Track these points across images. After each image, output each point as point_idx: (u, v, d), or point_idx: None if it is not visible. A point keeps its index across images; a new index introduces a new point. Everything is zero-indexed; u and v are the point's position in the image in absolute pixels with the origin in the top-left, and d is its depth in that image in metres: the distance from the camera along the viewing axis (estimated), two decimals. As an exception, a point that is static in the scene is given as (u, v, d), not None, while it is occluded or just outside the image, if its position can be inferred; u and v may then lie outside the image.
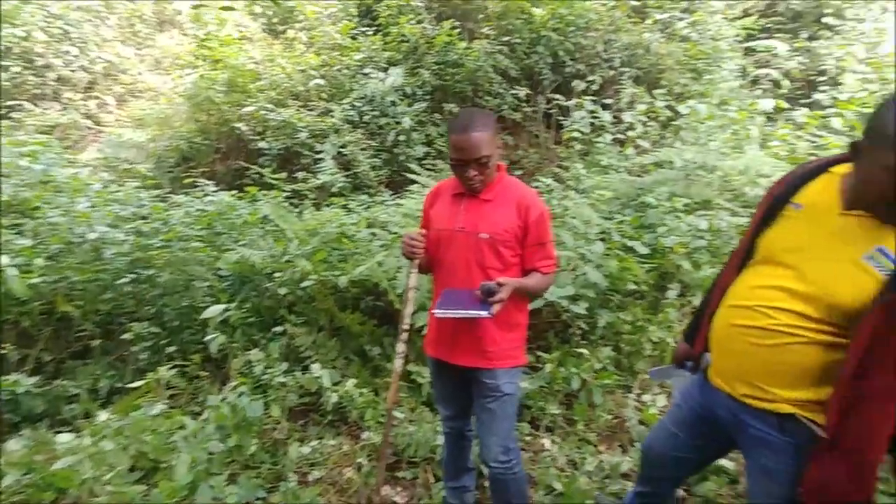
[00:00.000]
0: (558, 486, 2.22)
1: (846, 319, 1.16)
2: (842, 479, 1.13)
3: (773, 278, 1.27)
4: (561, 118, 5.53)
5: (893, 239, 1.13)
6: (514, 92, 5.78)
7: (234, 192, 4.24)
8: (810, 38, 6.32)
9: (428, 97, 5.81)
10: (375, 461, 2.43)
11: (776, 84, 5.71)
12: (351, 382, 2.79)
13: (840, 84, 5.32)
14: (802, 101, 5.61)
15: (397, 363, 1.92)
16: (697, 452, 1.61)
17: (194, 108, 6.15)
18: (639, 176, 4.23)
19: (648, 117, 5.09)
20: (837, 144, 4.16)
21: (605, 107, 5.34)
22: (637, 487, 1.89)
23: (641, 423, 2.58)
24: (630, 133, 4.94)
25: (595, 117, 5.08)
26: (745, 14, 6.71)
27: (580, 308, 2.65)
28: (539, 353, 2.77)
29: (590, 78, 5.65)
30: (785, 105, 4.83)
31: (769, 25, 6.76)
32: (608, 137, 4.91)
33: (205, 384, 2.90)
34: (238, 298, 3.19)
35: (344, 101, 5.64)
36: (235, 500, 2.06)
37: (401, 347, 1.91)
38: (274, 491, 2.31)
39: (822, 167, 1.31)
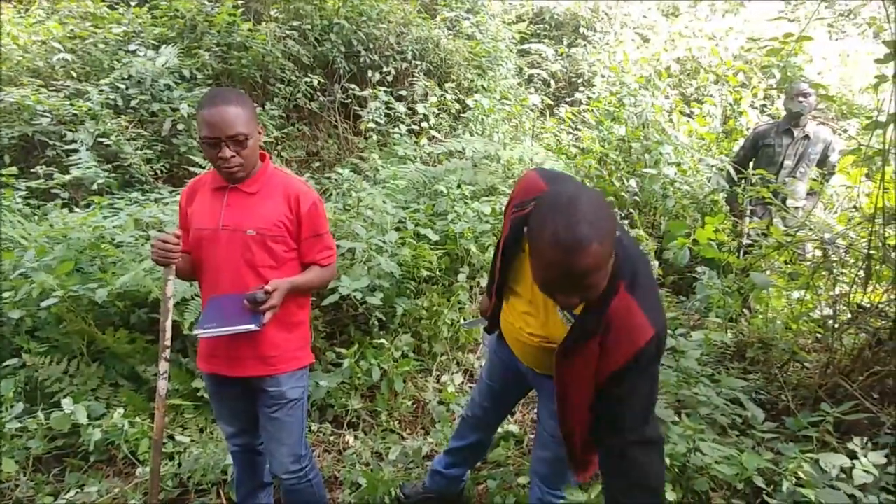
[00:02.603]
0: (363, 482, 2.18)
1: None
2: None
3: (522, 307, 1.48)
4: (357, 109, 5.47)
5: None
6: (307, 80, 5.55)
7: (-61, 193, 3.30)
8: (569, 45, 7.25)
9: (210, 82, 5.24)
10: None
11: (545, 83, 6.44)
12: (118, 413, 2.38)
13: (593, 86, 6.21)
14: (567, 99, 6.43)
15: (160, 385, 1.67)
16: (508, 395, 1.87)
17: None
18: (432, 165, 4.39)
19: (440, 109, 5.32)
20: (590, 136, 4.84)
21: (399, 98, 5.43)
22: (451, 443, 2.03)
23: (441, 402, 2.68)
24: (424, 124, 5.11)
25: (390, 108, 5.14)
26: (519, 19, 7.44)
27: (376, 299, 2.63)
28: (339, 350, 2.69)
29: (384, 69, 5.69)
30: (550, 102, 5.46)
31: (539, 31, 7.60)
32: (403, 128, 5.00)
33: None
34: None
35: (102, 82, 4.78)
36: None
37: (163, 366, 1.66)
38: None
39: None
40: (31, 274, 2.57)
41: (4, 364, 2.47)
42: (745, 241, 3.66)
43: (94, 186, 4.08)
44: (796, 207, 3.76)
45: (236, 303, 1.54)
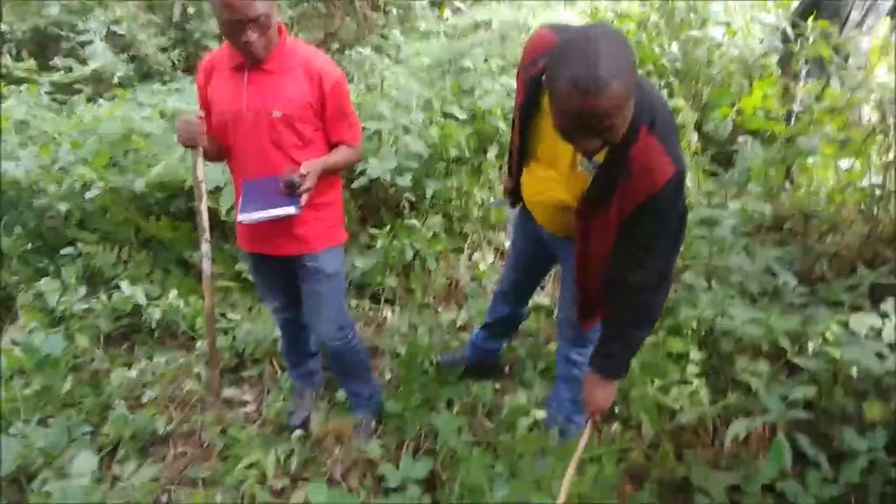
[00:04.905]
0: (402, 350, 2.34)
1: None
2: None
3: (542, 171, 1.47)
4: (375, -20, 5.07)
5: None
6: (319, -50, 5.11)
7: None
8: None
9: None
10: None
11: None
12: (173, 294, 2.55)
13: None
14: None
15: (205, 265, 1.76)
16: (534, 267, 1.90)
17: None
18: (457, 40, 4.13)
19: (463, -25, 4.89)
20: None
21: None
22: (487, 318, 2.12)
23: (473, 279, 2.77)
24: (447, -6, 4.74)
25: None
26: None
27: (406, 180, 2.63)
28: (372, 231, 2.75)
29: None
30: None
31: None
32: (424, 1, 4.65)
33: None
34: (5, 223, 2.63)
35: (106, -35, 4.53)
36: (45, 442, 1.84)
37: (205, 247, 1.75)
38: (103, 423, 2.11)
39: None
40: (70, 168, 2.65)
41: (62, 254, 2.63)
42: (796, 107, 3.41)
43: (115, 80, 4.04)
44: (858, 67, 3.43)
45: (272, 186, 1.56)
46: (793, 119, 3.36)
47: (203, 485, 1.87)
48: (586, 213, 1.32)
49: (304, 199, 1.54)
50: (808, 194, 3.08)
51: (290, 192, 1.54)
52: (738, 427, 1.65)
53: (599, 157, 1.24)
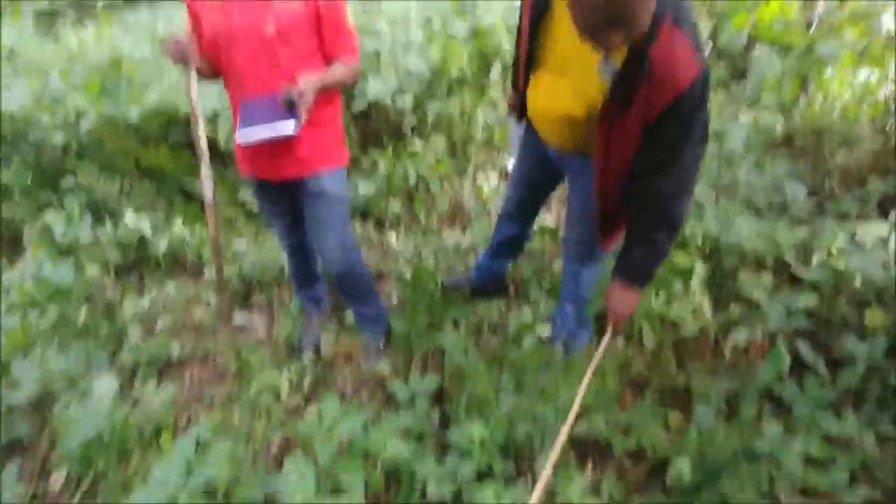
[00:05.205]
0: (407, 275, 2.36)
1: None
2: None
3: (550, 80, 1.41)
4: None
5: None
6: None
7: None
8: None
9: None
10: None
11: None
12: (178, 224, 2.56)
13: None
14: None
15: (206, 189, 1.74)
16: (539, 185, 1.86)
17: None
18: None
19: None
20: None
21: None
22: (492, 240, 2.11)
23: (477, 202, 2.74)
24: None
25: None
26: None
27: (406, 102, 2.55)
28: (374, 157, 2.70)
29: None
30: None
31: None
32: None
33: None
34: (3, 157, 2.60)
35: None
36: (64, 367, 1.90)
37: (204, 171, 1.72)
38: (119, 351, 2.18)
39: None
40: (62, 97, 2.58)
41: (62, 186, 2.62)
42: (816, 17, 3.22)
43: (100, 4, 3.84)
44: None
45: (270, 105, 1.51)
46: (811, 29, 3.19)
47: (220, 405, 1.96)
48: (608, 121, 1.27)
49: (303, 116, 1.50)
50: (823, 108, 2.97)
51: (289, 110, 1.49)
52: (740, 336, 1.68)
53: (617, 63, 1.19)
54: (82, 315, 2.23)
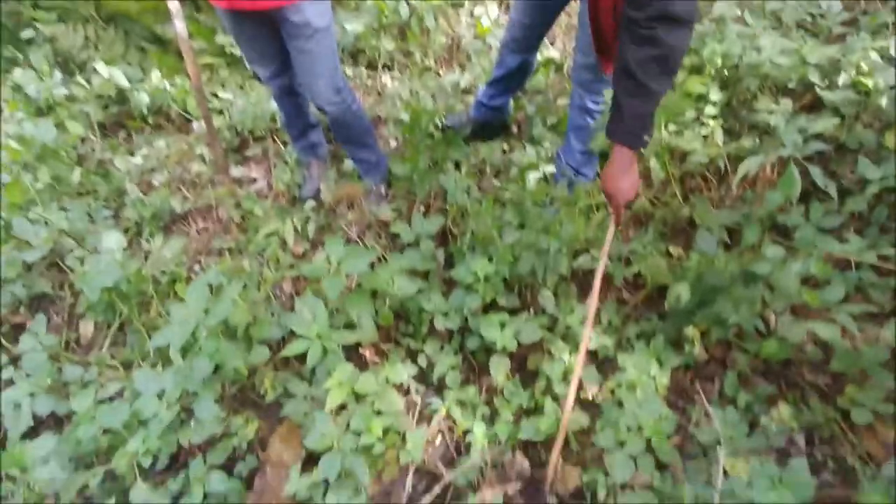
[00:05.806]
0: (405, 117, 2.24)
1: None
2: None
3: None
4: None
5: None
6: None
7: None
8: None
9: None
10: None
11: None
12: (156, 75, 2.39)
13: None
14: None
15: (178, 26, 1.58)
16: (546, 9, 1.74)
17: None
18: None
19: None
20: None
21: None
22: (494, 73, 2.00)
23: (476, 37, 2.52)
24: None
25: None
26: None
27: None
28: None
29: None
30: None
31: None
32: None
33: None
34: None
35: None
36: (67, 224, 1.90)
37: (174, 6, 1.54)
38: (121, 208, 2.17)
39: None
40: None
41: (22, 37, 2.40)
42: None
43: None
44: None
45: None
46: None
47: (229, 254, 1.99)
48: None
49: None
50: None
51: None
52: (751, 164, 1.62)
53: None
54: (77, 175, 2.18)
